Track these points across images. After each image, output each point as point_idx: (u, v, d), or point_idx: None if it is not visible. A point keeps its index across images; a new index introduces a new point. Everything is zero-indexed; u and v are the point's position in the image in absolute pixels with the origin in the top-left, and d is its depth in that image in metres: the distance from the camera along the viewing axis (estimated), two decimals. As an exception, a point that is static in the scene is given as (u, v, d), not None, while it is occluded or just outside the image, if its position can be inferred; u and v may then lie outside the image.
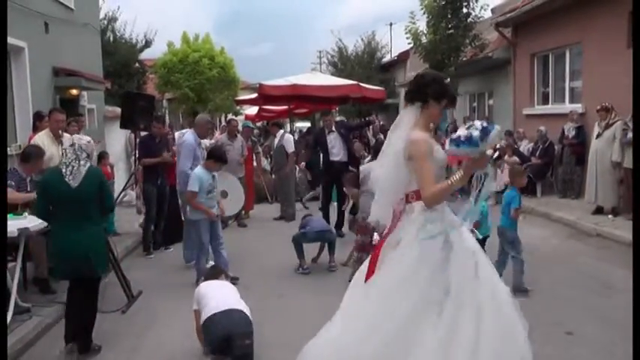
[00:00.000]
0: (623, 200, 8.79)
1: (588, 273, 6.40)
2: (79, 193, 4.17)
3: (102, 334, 4.74)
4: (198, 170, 6.28)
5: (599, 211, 9.05)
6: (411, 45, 16.33)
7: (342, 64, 27.18)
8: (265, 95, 13.67)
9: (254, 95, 16.97)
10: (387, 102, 22.20)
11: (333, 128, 8.95)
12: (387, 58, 27.97)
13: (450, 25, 14.90)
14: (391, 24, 33.83)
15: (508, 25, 13.70)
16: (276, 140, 10.76)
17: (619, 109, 8.81)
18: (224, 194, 7.26)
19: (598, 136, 8.98)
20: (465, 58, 15.46)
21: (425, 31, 15.41)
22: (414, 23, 15.63)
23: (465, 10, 14.93)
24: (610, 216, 8.71)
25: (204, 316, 4.13)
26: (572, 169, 10.64)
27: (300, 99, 14.69)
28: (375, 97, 14.86)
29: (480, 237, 6.48)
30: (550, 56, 12.54)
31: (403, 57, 24.73)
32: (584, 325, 4.76)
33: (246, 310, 4.19)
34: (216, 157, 6.36)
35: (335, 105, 18.01)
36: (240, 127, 11.23)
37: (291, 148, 10.52)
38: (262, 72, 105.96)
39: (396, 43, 38.87)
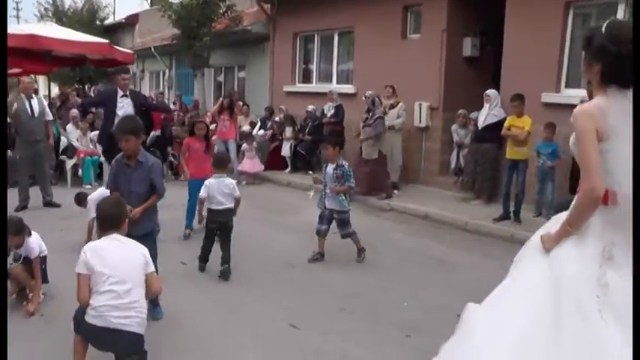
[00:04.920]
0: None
1: (416, 250, 6.63)
2: None
3: None
4: None
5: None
6: (156, 7, 15.08)
7: (57, 19, 23.67)
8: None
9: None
10: (110, 69, 20.05)
11: (128, 92, 7.80)
12: (110, 20, 25.43)
13: (205, -9, 14.17)
14: (116, -18, 30.96)
15: (269, 1, 13.58)
16: (36, 103, 8.15)
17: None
18: None
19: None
20: (214, 29, 14.88)
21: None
22: (162, -16, 14.50)
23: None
24: (395, 191, 9.28)
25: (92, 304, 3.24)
26: (334, 147, 11.09)
27: (27, 55, 12.20)
28: (125, 61, 13.25)
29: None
30: (316, 37, 12.83)
31: (131, 20, 22.80)
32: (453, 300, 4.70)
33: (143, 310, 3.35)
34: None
35: (69, 65, 15.66)
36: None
37: (49, 115, 8.56)
38: None
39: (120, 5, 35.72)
